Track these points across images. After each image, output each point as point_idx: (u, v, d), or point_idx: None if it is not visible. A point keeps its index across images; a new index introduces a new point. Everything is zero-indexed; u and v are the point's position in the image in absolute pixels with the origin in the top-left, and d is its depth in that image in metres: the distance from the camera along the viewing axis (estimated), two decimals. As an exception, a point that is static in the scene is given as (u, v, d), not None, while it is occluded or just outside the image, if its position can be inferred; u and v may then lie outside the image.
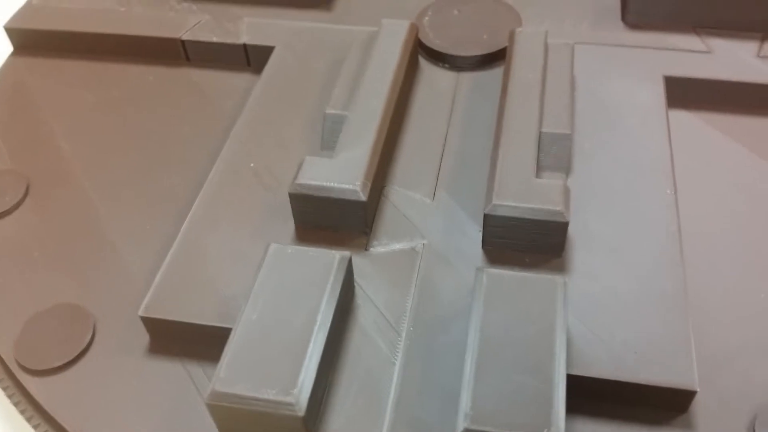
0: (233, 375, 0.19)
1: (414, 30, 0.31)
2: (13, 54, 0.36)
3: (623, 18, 0.34)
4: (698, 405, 0.21)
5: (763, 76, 0.31)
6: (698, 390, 0.21)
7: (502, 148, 0.25)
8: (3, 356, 0.23)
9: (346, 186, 0.24)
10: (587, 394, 0.21)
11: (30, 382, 0.23)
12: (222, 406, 0.19)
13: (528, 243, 0.24)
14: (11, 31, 0.36)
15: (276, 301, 0.21)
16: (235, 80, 0.33)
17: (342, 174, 0.25)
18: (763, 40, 0.33)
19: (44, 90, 0.34)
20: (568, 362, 0.21)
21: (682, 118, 0.31)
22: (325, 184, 0.24)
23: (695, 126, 0.30)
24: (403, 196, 0.27)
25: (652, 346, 0.22)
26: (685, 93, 0.31)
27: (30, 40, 0.36)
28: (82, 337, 0.24)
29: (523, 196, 0.24)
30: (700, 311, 0.23)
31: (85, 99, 0.33)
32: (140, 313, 0.23)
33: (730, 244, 0.26)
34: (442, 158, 0.28)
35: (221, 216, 0.26)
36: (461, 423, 0.18)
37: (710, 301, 0.24)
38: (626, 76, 0.31)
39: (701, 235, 0.26)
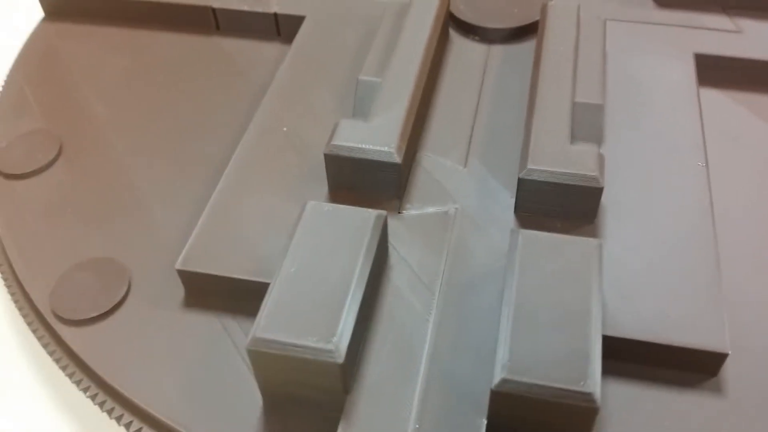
0: (274, 323, 0.19)
1: (445, 2, 0.31)
2: (45, 20, 0.36)
3: (653, -4, 0.34)
4: (728, 369, 0.21)
5: (793, 56, 0.31)
6: (729, 352, 0.21)
7: (537, 116, 0.26)
8: (39, 307, 0.24)
9: (381, 148, 0.24)
10: (619, 355, 0.21)
11: (65, 332, 0.23)
12: (262, 352, 0.19)
13: (561, 209, 0.24)
14: (43, -3, 0.36)
15: (314, 256, 0.21)
16: (265, 49, 0.34)
17: (377, 137, 0.25)
18: (792, 21, 0.33)
19: (76, 54, 0.34)
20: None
21: (712, 96, 0.31)
22: (360, 146, 0.24)
23: (725, 104, 0.30)
24: (436, 162, 0.27)
25: (683, 310, 0.22)
26: (715, 72, 0.31)
27: (61, 6, 0.36)
28: (117, 290, 0.24)
29: (558, 161, 0.24)
30: (731, 282, 0.24)
31: (117, 64, 0.33)
32: (177, 266, 0.23)
33: (761, 219, 0.26)
34: (473, 127, 0.28)
35: (255, 177, 0.26)
36: (498, 373, 0.18)
37: (740, 273, 0.24)
38: (657, 53, 0.31)
39: (732, 210, 0.26)
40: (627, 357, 0.22)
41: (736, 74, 0.31)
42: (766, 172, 0.28)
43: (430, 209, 0.25)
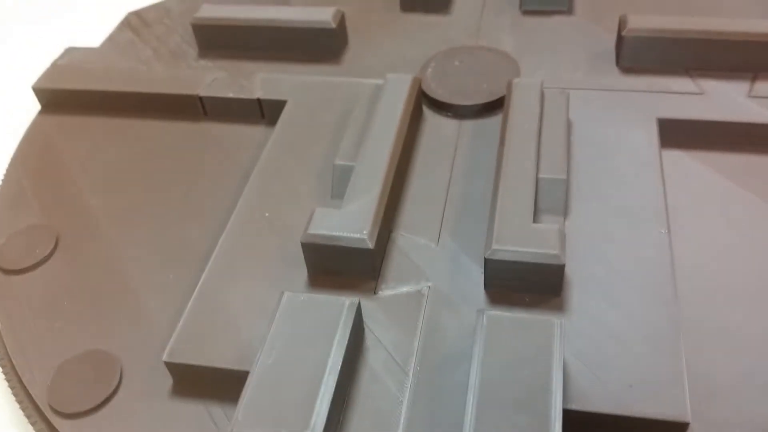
0: (251, 417, 0.21)
1: (417, 83, 0.33)
2: (41, 112, 0.38)
3: (617, 63, 0.36)
4: (692, 437, 0.22)
5: (753, 115, 0.32)
6: (690, 422, 0.22)
7: (501, 194, 0.27)
8: (37, 400, 0.25)
9: (354, 235, 0.26)
10: (585, 427, 0.22)
11: (62, 425, 0.24)
12: (241, 446, 0.20)
13: (527, 284, 0.25)
14: (39, 91, 0.38)
15: (289, 347, 0.22)
16: (250, 132, 0.35)
17: (350, 223, 0.26)
18: (753, 80, 0.34)
19: (71, 147, 0.36)
20: (566, 397, 0.22)
21: (677, 157, 0.32)
22: (334, 233, 0.26)
23: (689, 165, 0.32)
24: (409, 241, 0.28)
25: (646, 379, 0.23)
26: (679, 133, 0.32)
27: (57, 99, 0.38)
28: (110, 382, 0.25)
29: (521, 240, 0.25)
30: (693, 346, 0.25)
31: (111, 154, 0.35)
32: (164, 358, 0.24)
33: (724, 279, 0.27)
34: (445, 204, 0.30)
35: (239, 264, 0.28)
36: (463, 459, 0.19)
37: (704, 336, 0.25)
38: (621, 119, 0.32)
39: (696, 270, 0.27)
40: (593, 428, 0.22)
41: (700, 135, 0.32)
42: (728, 229, 0.29)
43: (404, 289, 0.26)
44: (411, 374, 0.24)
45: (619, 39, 0.36)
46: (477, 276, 0.27)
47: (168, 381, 0.25)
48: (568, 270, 0.26)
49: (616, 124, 0.32)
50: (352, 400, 0.23)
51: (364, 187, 0.28)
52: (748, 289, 0.26)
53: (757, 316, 0.26)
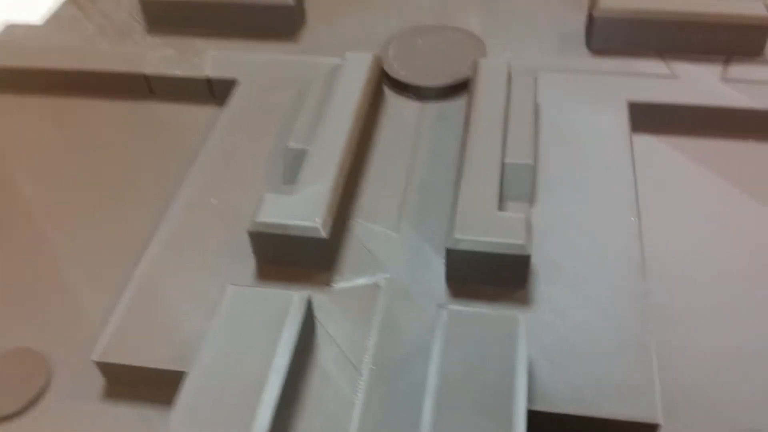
0: (185, 423, 0.19)
1: (378, 63, 0.31)
2: (-24, 92, 0.36)
3: (588, 44, 0.34)
4: (663, 439, 0.21)
5: (726, 99, 0.31)
6: (662, 423, 0.20)
7: (464, 181, 0.25)
8: (-45, 405, 0.23)
9: (307, 223, 0.24)
10: (551, 428, 0.21)
11: (-17, 431, 0.22)
12: (173, 455, 0.18)
13: (492, 276, 0.24)
14: (-25, 69, 0.36)
15: (231, 345, 0.20)
16: (200, 113, 0.33)
17: (302, 211, 0.24)
18: (726, 62, 0.33)
19: (5, 128, 0.33)
20: (531, 397, 0.20)
21: (648, 142, 0.31)
22: (284, 222, 0.24)
23: (661, 150, 0.30)
24: (367, 229, 0.26)
25: (615, 379, 0.21)
26: (651, 118, 0.31)
27: (-7, 78, 0.35)
28: (36, 382, 0.23)
29: (485, 229, 0.23)
30: (665, 343, 0.23)
31: (49, 137, 0.33)
32: (93, 357, 0.22)
33: (696, 266, 0.26)
34: (406, 190, 0.28)
35: (180, 254, 0.25)
36: (418, 468, 0.18)
37: (676, 331, 0.24)
38: (590, 102, 0.31)
39: (667, 258, 0.26)
40: (560, 429, 0.21)
41: (672, 119, 0.31)
42: (699, 215, 0.27)
43: (360, 281, 0.25)
44: (365, 373, 0.22)
45: (590, 19, 0.34)
46: (438, 267, 0.25)
47: (100, 382, 0.23)
48: (534, 260, 0.24)
49: (585, 108, 0.31)
50: (301, 403, 0.21)
51: (319, 172, 0.26)
52: (721, 276, 0.25)
53: (730, 304, 0.24)
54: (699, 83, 0.32)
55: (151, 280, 0.25)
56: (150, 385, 0.22)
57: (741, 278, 0.25)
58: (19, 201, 0.30)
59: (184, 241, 0.26)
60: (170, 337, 0.23)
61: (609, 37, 0.34)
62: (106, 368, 0.22)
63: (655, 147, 0.30)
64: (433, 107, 0.31)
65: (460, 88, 0.32)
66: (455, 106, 0.31)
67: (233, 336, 0.21)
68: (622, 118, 0.30)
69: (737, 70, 0.33)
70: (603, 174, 0.28)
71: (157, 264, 0.25)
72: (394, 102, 0.32)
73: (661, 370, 0.22)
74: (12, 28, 0.38)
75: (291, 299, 0.21)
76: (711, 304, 0.24)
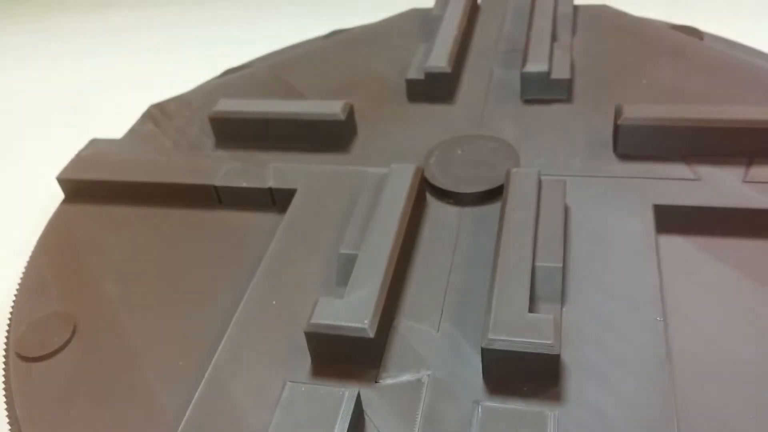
0: None
1: (419, 172, 0.34)
2: (64, 202, 0.40)
3: (614, 150, 0.37)
4: None
5: (749, 201, 0.33)
6: None
7: (497, 283, 0.28)
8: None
9: (356, 325, 0.27)
10: None
11: None
12: None
13: (525, 373, 0.26)
14: (63, 182, 0.40)
15: (290, 437, 0.23)
16: (262, 220, 0.37)
17: (352, 313, 0.27)
18: (749, 165, 0.35)
19: (92, 235, 0.38)
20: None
21: (674, 242, 0.33)
22: (336, 323, 0.27)
23: (686, 250, 0.32)
24: (411, 328, 0.29)
25: (641, 472, 0.23)
26: (676, 219, 0.33)
27: (80, 189, 0.40)
28: (119, 471, 0.26)
29: (517, 330, 0.26)
30: (690, 436, 0.25)
31: (130, 242, 0.37)
32: (171, 449, 0.25)
33: (722, 366, 0.27)
34: (446, 291, 0.30)
35: (246, 353, 0.28)
36: None
37: (699, 425, 0.25)
38: (617, 205, 0.33)
39: (693, 358, 0.27)
40: None
41: (697, 221, 0.33)
42: (725, 314, 0.29)
43: (405, 377, 0.27)
44: (410, 464, 0.24)
45: (616, 127, 0.37)
46: (476, 364, 0.27)
47: (175, 470, 0.26)
48: (565, 357, 0.27)
49: (612, 211, 0.33)
50: (352, 491, 0.24)
51: (367, 276, 0.29)
52: (746, 377, 0.27)
53: (755, 405, 0.26)
54: (721, 185, 0.34)
55: (221, 376, 0.28)
56: (218, 474, 0.25)
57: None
58: (105, 302, 0.33)
59: (249, 340, 0.29)
60: (238, 431, 0.26)
61: (634, 143, 0.37)
62: (180, 458, 0.25)
63: (682, 247, 0.33)
64: (471, 212, 0.34)
65: (496, 193, 0.35)
66: (491, 210, 0.34)
67: (291, 430, 0.23)
68: (648, 220, 0.33)
69: (759, 172, 0.35)
70: (629, 275, 0.30)
71: (227, 361, 0.28)
72: (435, 207, 0.35)
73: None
74: (95, 143, 0.44)
75: (343, 396, 0.24)
76: (737, 404, 0.26)
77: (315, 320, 0.27)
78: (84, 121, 0.57)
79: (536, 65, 0.42)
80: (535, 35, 0.45)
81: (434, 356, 0.28)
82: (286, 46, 0.57)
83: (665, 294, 0.29)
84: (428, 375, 0.27)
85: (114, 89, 0.61)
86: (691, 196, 0.34)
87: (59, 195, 0.41)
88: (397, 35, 0.52)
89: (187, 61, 0.64)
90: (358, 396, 0.25)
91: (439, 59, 0.43)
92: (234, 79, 0.49)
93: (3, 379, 0.31)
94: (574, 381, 0.26)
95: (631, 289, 0.29)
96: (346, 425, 0.23)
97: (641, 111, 0.37)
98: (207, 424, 0.26)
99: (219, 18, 0.72)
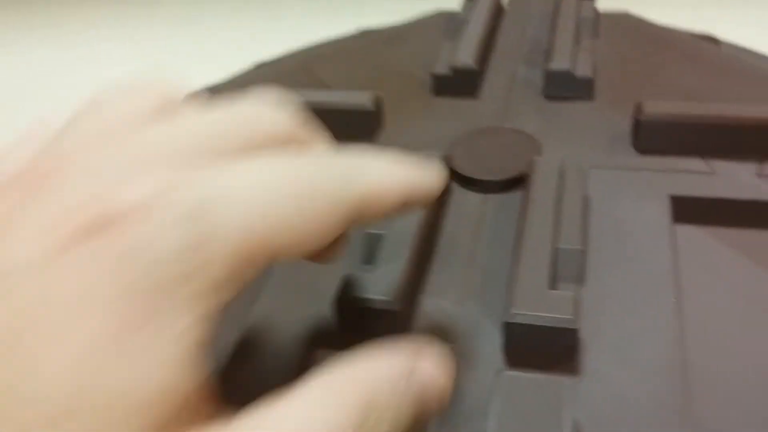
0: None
1: (444, 160, 0.36)
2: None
3: (633, 145, 0.38)
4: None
5: (762, 194, 0.34)
6: (696, 481, 0.23)
7: (520, 263, 0.29)
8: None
9: (383, 297, 0.28)
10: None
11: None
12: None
13: (544, 347, 0.27)
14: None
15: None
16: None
17: (379, 287, 0.29)
18: (761, 161, 0.37)
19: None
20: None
21: (690, 232, 0.34)
22: (363, 296, 0.28)
23: (701, 239, 0.34)
24: (435, 304, 0.30)
25: (653, 439, 0.24)
26: (692, 210, 0.35)
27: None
28: None
29: (538, 305, 0.27)
30: (701, 416, 0.26)
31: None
32: None
33: (735, 353, 0.28)
34: (470, 271, 0.32)
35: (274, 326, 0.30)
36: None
37: (712, 406, 0.26)
38: (635, 196, 0.35)
39: (706, 341, 0.29)
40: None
41: (710, 211, 0.35)
42: (738, 302, 0.30)
43: (429, 349, 0.28)
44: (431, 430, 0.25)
45: (635, 122, 0.38)
46: (497, 339, 0.29)
47: None
48: (584, 334, 0.28)
49: (630, 201, 0.34)
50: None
51: (394, 253, 0.30)
52: (758, 360, 0.28)
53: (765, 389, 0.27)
54: (736, 178, 0.35)
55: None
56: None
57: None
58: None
59: (278, 308, 0.31)
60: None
61: (653, 138, 0.38)
62: None
63: (697, 236, 0.34)
64: (495, 199, 0.36)
65: (519, 182, 0.36)
66: (515, 197, 0.36)
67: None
68: (665, 210, 0.34)
69: (773, 167, 0.36)
70: (646, 259, 0.31)
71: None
72: (459, 194, 0.36)
73: (696, 433, 0.24)
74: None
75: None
76: (749, 382, 0.27)
77: (344, 294, 0.29)
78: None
79: (560, 63, 0.43)
80: (559, 36, 0.47)
81: (457, 330, 0.29)
82: (315, 44, 0.59)
83: (680, 278, 0.31)
84: (451, 347, 0.28)
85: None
86: (706, 188, 0.35)
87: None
88: (425, 35, 0.53)
89: (208, 56, 0.66)
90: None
91: (466, 55, 0.45)
92: (265, 72, 0.51)
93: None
94: (591, 355, 0.27)
95: (648, 273, 0.31)
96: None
97: (660, 107, 0.38)
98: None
99: (242, 13, 0.74)
